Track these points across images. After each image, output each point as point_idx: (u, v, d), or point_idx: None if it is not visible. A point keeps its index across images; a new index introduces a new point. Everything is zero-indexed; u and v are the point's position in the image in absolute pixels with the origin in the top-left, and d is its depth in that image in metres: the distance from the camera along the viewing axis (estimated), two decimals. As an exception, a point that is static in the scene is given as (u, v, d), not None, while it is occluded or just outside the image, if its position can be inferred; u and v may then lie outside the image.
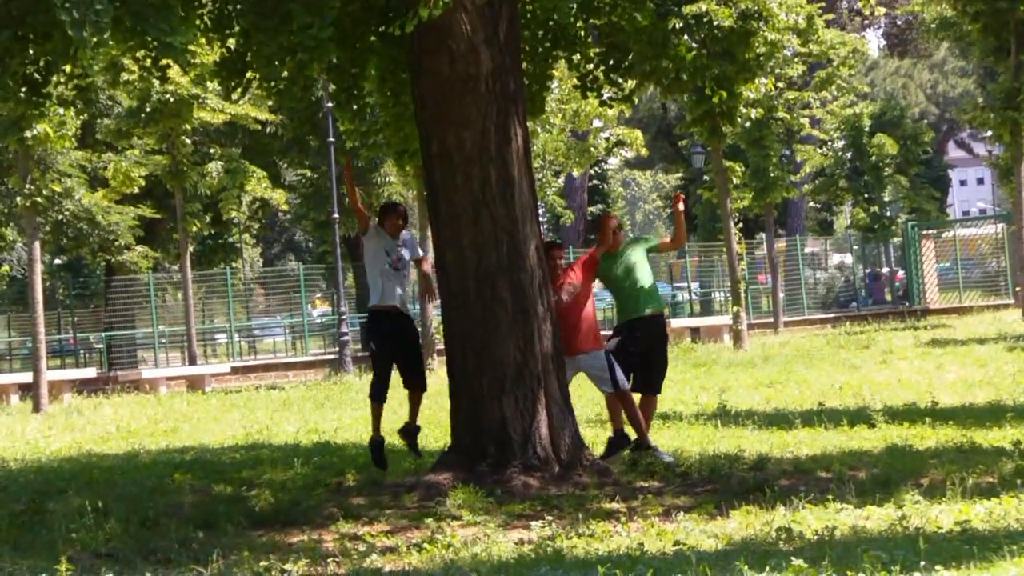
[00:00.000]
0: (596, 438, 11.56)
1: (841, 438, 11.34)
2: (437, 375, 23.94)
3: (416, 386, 10.30)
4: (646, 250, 10.57)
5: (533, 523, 7.87)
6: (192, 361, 28.70)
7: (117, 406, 21.17)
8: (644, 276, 10.34)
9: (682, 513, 7.97)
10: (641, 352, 10.22)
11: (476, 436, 9.39)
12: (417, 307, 26.47)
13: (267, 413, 18.16)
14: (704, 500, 8.47)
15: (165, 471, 11.24)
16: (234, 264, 39.52)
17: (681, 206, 10.48)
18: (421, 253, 10.51)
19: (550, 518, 8.00)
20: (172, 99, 26.25)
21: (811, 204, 51.10)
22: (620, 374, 10.05)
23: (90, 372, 28.31)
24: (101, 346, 32.55)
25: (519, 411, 9.31)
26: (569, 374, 9.99)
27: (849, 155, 39.97)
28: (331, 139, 29.00)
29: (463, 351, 9.56)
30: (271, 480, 10.17)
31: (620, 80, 12.56)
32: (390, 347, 10.10)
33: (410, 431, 10.35)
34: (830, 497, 8.05)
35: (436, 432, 12.93)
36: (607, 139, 33.28)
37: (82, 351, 34.45)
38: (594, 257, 10.32)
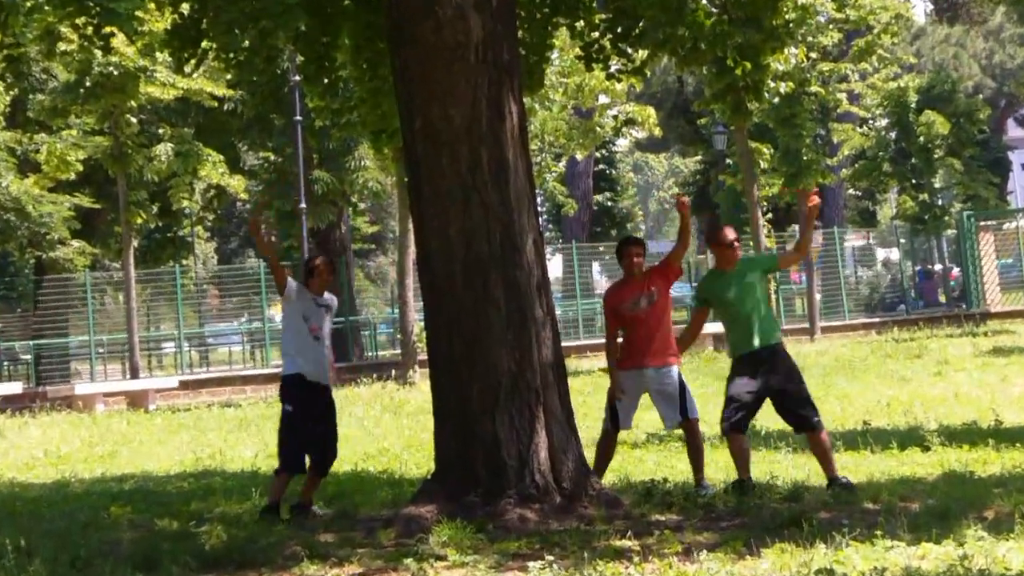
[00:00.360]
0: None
1: (890, 463, 11.25)
2: (419, 389, 23.93)
3: (322, 472, 10.35)
4: (764, 271, 10.38)
5: (531, 564, 7.74)
6: (134, 374, 28.59)
7: (46, 427, 21.05)
8: (759, 302, 10.04)
9: (705, 552, 7.84)
10: (760, 392, 9.94)
11: (464, 461, 9.31)
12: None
13: (221, 435, 18.05)
14: (731, 536, 8.34)
15: (100, 503, 11.10)
16: (185, 261, 39.47)
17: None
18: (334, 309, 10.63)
19: (551, 558, 7.87)
20: (116, 72, 26.25)
21: (851, 191, 51.15)
22: (692, 399, 10.13)
23: (15, 387, 28.08)
24: (28, 357, 32.45)
25: (514, 431, 9.24)
26: (633, 393, 10.09)
27: (893, 135, 39.99)
28: (298, 117, 29.01)
29: (448, 360, 9.50)
30: (224, 514, 10.06)
31: (629, 50, 12.57)
32: (309, 416, 10.18)
33: (304, 508, 10.18)
34: (878, 533, 7.94)
35: (417, 456, 12.82)
36: (615, 117, 33.27)
37: (6, 363, 34.32)
38: (674, 266, 10.28)
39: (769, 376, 9.94)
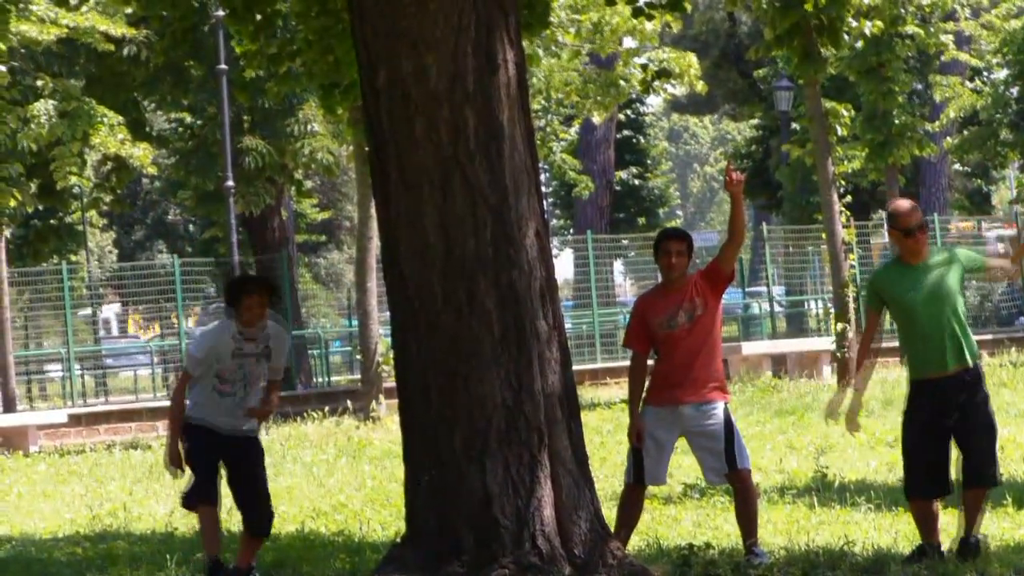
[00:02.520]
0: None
1: (1003, 525, 11.36)
2: (384, 426, 24.00)
3: (259, 531, 10.53)
4: (965, 272, 10.02)
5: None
6: (9, 406, 28.68)
7: None
8: (953, 311, 9.81)
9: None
10: (943, 435, 9.85)
11: (445, 520, 9.36)
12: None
13: (124, 485, 18.15)
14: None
15: (-34, 575, 11.22)
16: (74, 257, 39.55)
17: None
18: (283, 365, 10.68)
19: (558, 646, 8.00)
20: (-23, 4, 26.27)
21: (957, 167, 51.28)
22: (742, 444, 10.15)
23: None
24: None
25: (510, 482, 9.29)
26: (665, 437, 10.14)
27: (1016, 91, 40.07)
28: (222, 66, 29.05)
29: (424, 390, 9.53)
30: (130, 588, 10.16)
31: None
32: (216, 456, 10.36)
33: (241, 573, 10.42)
34: (985, 614, 8.07)
35: (383, 514, 12.94)
36: (644, 68, 33.33)
37: None
38: (724, 269, 10.18)
39: (958, 412, 9.79)
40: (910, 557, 9.85)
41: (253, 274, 11.73)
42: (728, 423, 10.14)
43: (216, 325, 10.50)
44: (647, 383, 10.28)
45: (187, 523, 13.65)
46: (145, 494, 16.94)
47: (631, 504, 10.33)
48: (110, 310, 44.03)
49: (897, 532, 11.10)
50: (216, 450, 10.39)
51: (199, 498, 10.40)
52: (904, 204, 10.08)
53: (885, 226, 10.06)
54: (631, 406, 10.29)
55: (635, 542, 10.57)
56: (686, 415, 10.14)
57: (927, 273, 9.83)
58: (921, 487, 9.95)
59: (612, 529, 9.86)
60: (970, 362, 9.84)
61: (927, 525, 9.96)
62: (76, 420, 28.89)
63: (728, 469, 10.10)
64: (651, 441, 10.17)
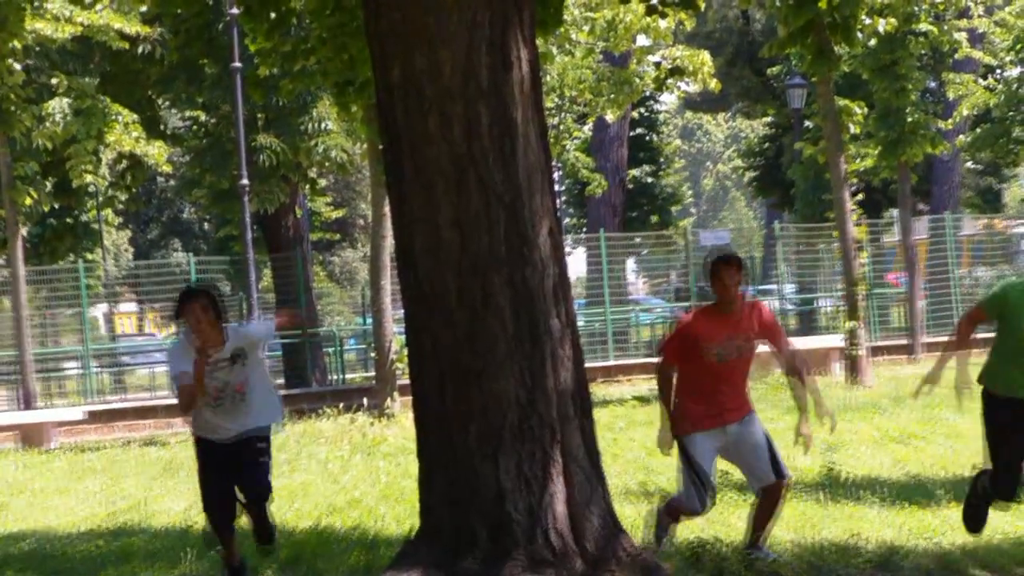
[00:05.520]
0: (639, 518, 11.63)
1: (1008, 519, 11.37)
2: (399, 423, 24.04)
3: (256, 498, 10.37)
4: None
5: (545, 646, 7.92)
6: (28, 403, 28.78)
7: (-86, 471, 21.24)
8: None
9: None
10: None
11: (459, 516, 9.42)
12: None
13: (141, 482, 18.21)
14: (801, 612, 8.55)
15: (-12, 568, 11.29)
16: (90, 256, 39.62)
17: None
18: (263, 329, 10.64)
19: (570, 639, 8.06)
20: (-8, 2, 26.29)
21: (969, 165, 51.25)
22: (779, 452, 10.21)
23: None
24: None
25: (523, 478, 9.35)
26: (710, 454, 10.15)
27: (1029, 89, 40.06)
28: (236, 63, 29.08)
29: (438, 387, 9.58)
30: (148, 582, 10.20)
31: None
32: (224, 468, 10.29)
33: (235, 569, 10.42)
34: (991, 608, 8.14)
35: (397, 510, 12.99)
36: (658, 66, 33.38)
37: None
38: (777, 344, 10.18)
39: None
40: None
41: (190, 285, 11.47)
42: (765, 432, 10.29)
43: (175, 343, 10.31)
44: (685, 407, 10.23)
45: (204, 519, 13.74)
46: (162, 490, 17.01)
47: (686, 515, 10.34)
48: (99, 309, 44.05)
49: (905, 527, 11.16)
50: (223, 465, 10.30)
51: (212, 524, 10.43)
52: None
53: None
54: (664, 411, 10.27)
55: (645, 537, 10.60)
56: (731, 432, 10.20)
57: None
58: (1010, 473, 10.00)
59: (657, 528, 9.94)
60: None
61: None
62: (93, 417, 29.04)
63: (776, 477, 10.15)
64: (706, 463, 10.15)
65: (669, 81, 32.50)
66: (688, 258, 38.52)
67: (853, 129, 28.74)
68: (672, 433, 10.21)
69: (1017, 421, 9.94)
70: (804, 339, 33.40)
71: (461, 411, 9.45)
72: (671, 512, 10.42)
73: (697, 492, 10.15)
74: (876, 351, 31.01)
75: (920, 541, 10.52)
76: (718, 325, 10.07)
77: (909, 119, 32.74)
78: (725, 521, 12.05)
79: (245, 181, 29.78)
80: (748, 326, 10.09)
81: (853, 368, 26.41)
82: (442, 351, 9.54)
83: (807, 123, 42.30)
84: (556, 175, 33.61)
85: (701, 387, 10.14)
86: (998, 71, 39.93)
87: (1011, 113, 39.40)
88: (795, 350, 10.32)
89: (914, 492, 13.06)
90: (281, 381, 34.97)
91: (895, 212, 37.15)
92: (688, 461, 10.15)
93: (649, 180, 55.74)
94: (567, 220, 57.35)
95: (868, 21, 24.68)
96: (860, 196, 28.75)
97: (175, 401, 10.56)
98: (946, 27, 32.42)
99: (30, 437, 26.68)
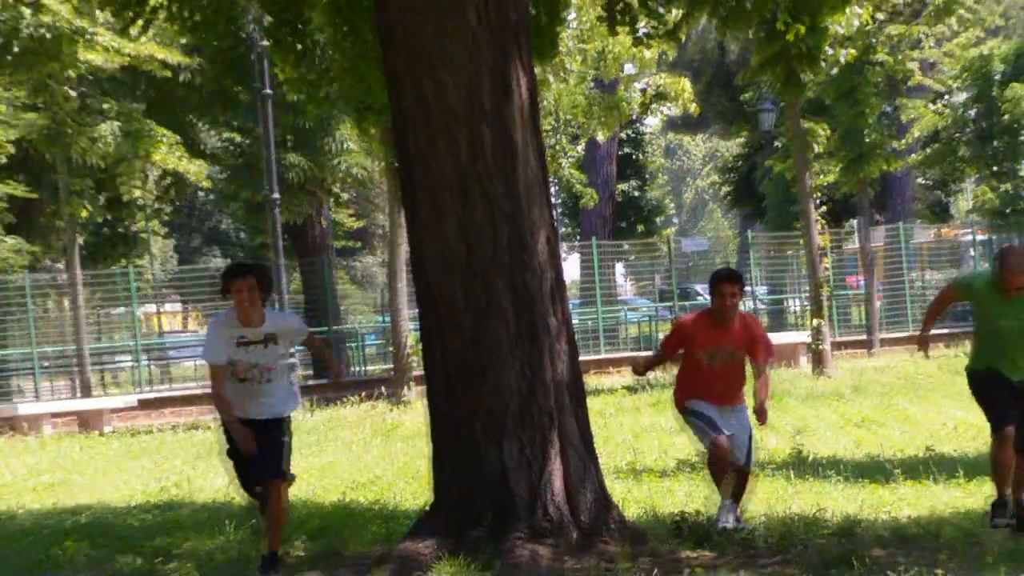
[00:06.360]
0: (627, 494, 11.66)
1: (955, 494, 11.46)
2: (414, 409, 24.08)
3: (275, 472, 9.81)
4: None
5: (543, 607, 7.94)
6: (85, 392, 28.82)
7: (-16, 452, 21.28)
8: None
9: (742, 594, 8.06)
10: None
11: (467, 492, 9.44)
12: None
13: (187, 461, 18.25)
14: (772, 576, 8.57)
15: (52, 538, 11.30)
16: (139, 261, 39.64)
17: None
18: (298, 325, 10.33)
19: (566, 600, 8.08)
20: (48, 34, 26.03)
21: (920, 180, 51.20)
22: (753, 445, 10.30)
23: (-53, 408, 28.42)
24: (-39, 373, 32.62)
25: (524, 458, 9.37)
26: (712, 409, 10.17)
27: (973, 113, 39.99)
28: (266, 90, 29.13)
29: (448, 379, 9.61)
30: (194, 550, 10.26)
31: (660, 9, 12.51)
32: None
33: (267, 563, 9.68)
34: (939, 572, 8.13)
35: (413, 486, 13.01)
36: (643, 91, 33.40)
37: (-64, 380, 34.54)
38: (756, 359, 10.15)
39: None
40: (994, 513, 9.85)
41: (242, 261, 10.79)
42: (750, 426, 10.34)
43: (218, 316, 10.06)
44: (687, 387, 10.34)
45: (243, 494, 13.76)
46: (205, 468, 17.04)
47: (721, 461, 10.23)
48: (145, 308, 44.02)
49: (862, 501, 11.18)
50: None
51: (251, 496, 10.07)
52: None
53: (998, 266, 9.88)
54: (652, 356, 10.56)
55: (633, 510, 10.65)
56: (726, 410, 10.25)
57: (1020, 309, 9.84)
58: (1008, 414, 9.89)
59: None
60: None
61: (1003, 473, 9.84)
62: (144, 404, 29.14)
63: (742, 463, 10.24)
64: (709, 414, 10.19)
65: (653, 105, 32.59)
66: (671, 263, 38.50)
67: (817, 148, 28.78)
68: (674, 405, 10.41)
69: (995, 378, 9.97)
70: (775, 335, 33.41)
71: (469, 403, 9.46)
72: (712, 472, 10.33)
73: (709, 426, 10.17)
74: (838, 346, 31.03)
75: (878, 514, 10.54)
76: (710, 333, 10.14)
77: (867, 139, 32.73)
78: (705, 496, 12.05)
79: (276, 195, 29.81)
80: (738, 338, 10.14)
81: (818, 360, 26.43)
82: (451, 353, 9.54)
83: (776, 142, 42.24)
84: (552, 189, 33.64)
85: (699, 380, 10.23)
86: (946, 97, 39.87)
87: (957, 134, 39.50)
88: (767, 373, 10.32)
89: (872, 471, 13.08)
90: (310, 372, 35.01)
91: (855, 222, 37.07)
92: (692, 413, 10.23)
93: (636, 194, 55.66)
94: (563, 229, 57.17)
95: (831, 51, 24.68)
96: (824, 208, 28.71)
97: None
98: (901, 57, 32.39)
99: (87, 422, 26.78)
